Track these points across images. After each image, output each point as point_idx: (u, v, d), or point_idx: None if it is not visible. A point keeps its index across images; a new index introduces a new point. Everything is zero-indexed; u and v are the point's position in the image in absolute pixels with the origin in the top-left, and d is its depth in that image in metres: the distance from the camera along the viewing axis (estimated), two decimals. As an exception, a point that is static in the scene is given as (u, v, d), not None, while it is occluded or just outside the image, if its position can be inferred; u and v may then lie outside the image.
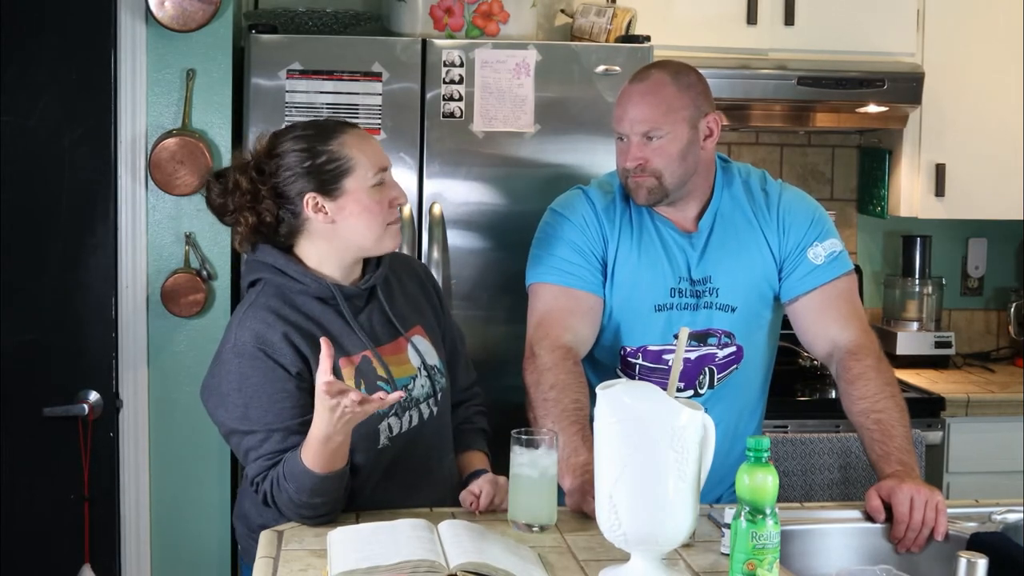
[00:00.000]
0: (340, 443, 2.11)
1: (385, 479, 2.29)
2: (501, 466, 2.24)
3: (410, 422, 2.33)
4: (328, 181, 2.26)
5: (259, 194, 2.27)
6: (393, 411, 2.29)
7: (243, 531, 2.41)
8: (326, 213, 2.27)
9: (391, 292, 2.40)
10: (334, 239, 2.29)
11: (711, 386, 2.59)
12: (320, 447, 2.10)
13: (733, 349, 2.59)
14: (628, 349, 2.59)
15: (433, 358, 2.39)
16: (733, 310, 2.57)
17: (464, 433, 2.51)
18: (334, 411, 2.04)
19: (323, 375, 2.05)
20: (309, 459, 2.11)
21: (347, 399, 2.02)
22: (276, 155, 2.29)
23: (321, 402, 2.05)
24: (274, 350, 2.21)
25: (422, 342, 2.39)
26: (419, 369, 2.35)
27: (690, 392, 2.58)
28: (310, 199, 2.26)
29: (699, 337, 2.57)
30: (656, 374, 2.55)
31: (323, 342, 2.08)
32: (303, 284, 2.28)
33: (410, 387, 2.33)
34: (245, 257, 2.38)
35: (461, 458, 2.48)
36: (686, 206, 2.58)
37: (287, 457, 2.16)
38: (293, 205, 2.27)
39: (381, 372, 2.29)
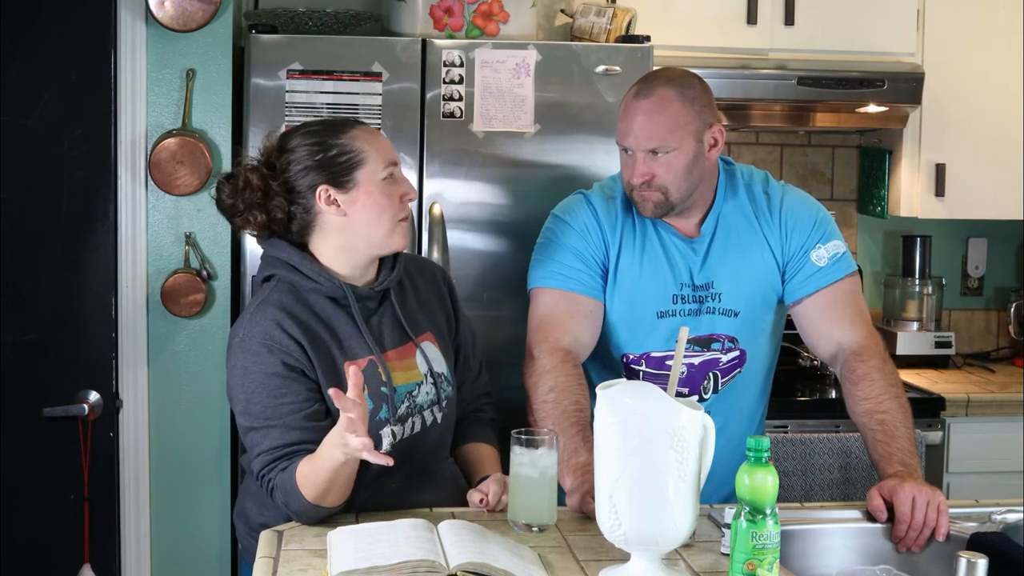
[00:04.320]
0: (344, 475, 2.12)
1: (385, 478, 2.28)
2: (503, 467, 2.23)
3: (412, 428, 2.33)
4: (340, 173, 2.28)
5: (270, 191, 2.28)
6: (397, 418, 2.29)
7: (244, 530, 2.42)
8: (338, 206, 2.28)
9: (404, 296, 2.40)
10: (346, 233, 2.30)
11: (715, 391, 2.59)
12: (326, 475, 2.10)
13: (736, 353, 2.59)
14: (631, 356, 2.59)
15: (441, 366, 2.39)
16: (736, 315, 2.57)
17: (472, 423, 2.50)
18: (340, 446, 2.04)
19: (353, 390, 2.03)
20: (305, 482, 2.13)
21: (355, 442, 2.01)
22: (287, 151, 2.31)
23: (338, 439, 2.04)
24: (279, 346, 2.23)
25: (431, 348, 2.39)
26: (425, 376, 2.35)
27: (694, 398, 2.57)
28: (322, 191, 2.28)
29: (702, 342, 2.56)
30: (660, 380, 2.53)
31: (352, 372, 2.06)
32: (317, 283, 2.28)
33: (415, 393, 2.33)
34: (247, 260, 2.41)
35: (467, 449, 2.46)
36: (689, 212, 2.57)
37: (283, 473, 2.16)
38: (305, 199, 2.29)
39: (384, 379, 2.29)
